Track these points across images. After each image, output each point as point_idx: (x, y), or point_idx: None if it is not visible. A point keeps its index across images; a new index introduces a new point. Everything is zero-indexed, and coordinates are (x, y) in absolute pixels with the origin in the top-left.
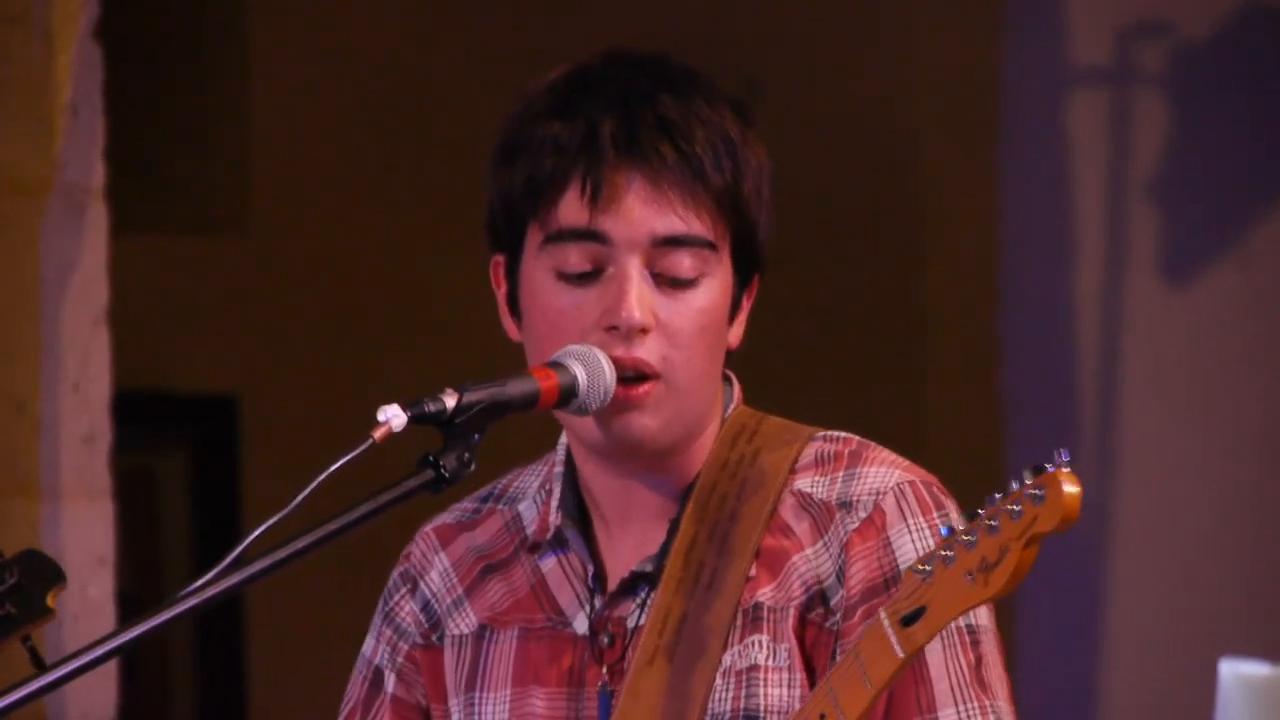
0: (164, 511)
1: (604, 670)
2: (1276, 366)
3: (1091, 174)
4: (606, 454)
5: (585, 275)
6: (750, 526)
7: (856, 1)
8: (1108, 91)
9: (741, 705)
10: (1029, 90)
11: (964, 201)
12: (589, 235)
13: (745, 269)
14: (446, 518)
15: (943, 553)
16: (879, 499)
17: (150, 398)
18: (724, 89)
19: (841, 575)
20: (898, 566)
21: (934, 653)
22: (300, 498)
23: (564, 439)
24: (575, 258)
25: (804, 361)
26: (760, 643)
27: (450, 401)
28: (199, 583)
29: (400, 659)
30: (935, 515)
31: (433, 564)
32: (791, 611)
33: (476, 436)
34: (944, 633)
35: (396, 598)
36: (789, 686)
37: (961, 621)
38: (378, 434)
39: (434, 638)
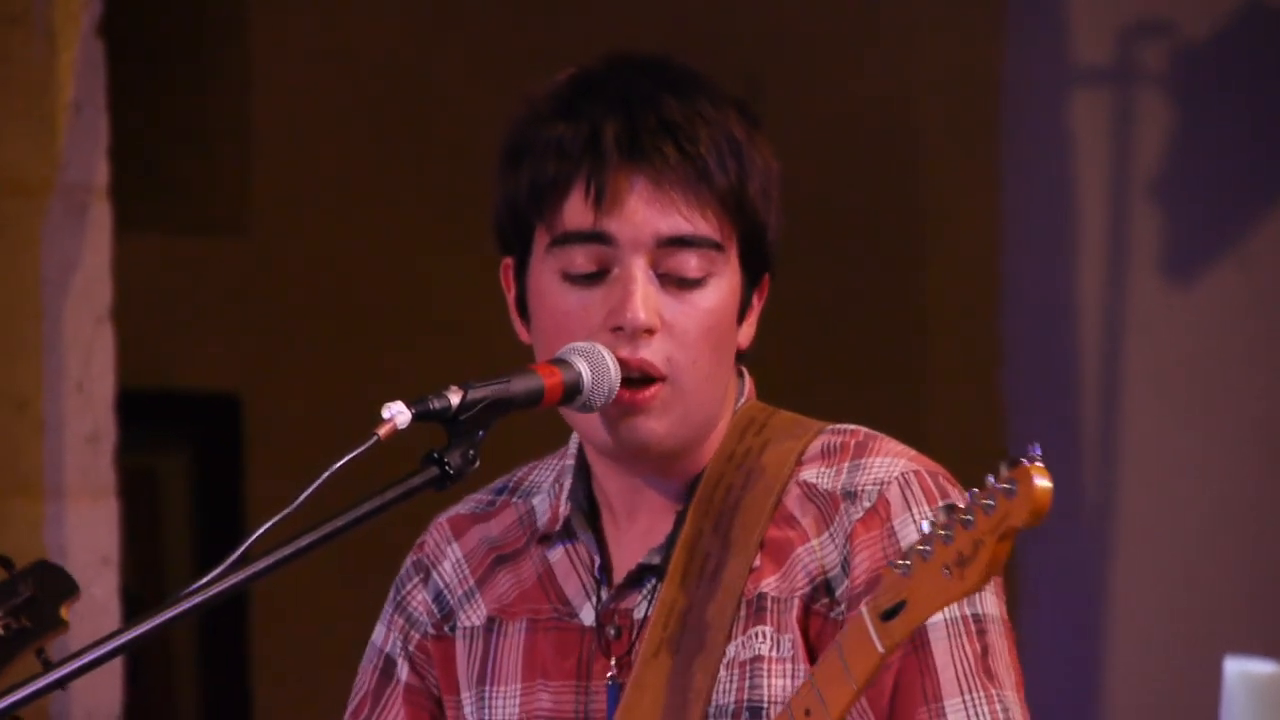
0: (167, 511)
1: (612, 662)
2: (1277, 366)
3: (1092, 174)
4: (614, 456)
5: (591, 276)
6: (754, 518)
7: (857, 1)
8: (1109, 91)
9: (745, 696)
10: (1030, 90)
11: (965, 201)
12: (594, 237)
13: (754, 269)
14: (461, 508)
15: (922, 547)
16: (883, 489)
17: (152, 397)
18: (729, 90)
19: (847, 565)
20: None
21: (939, 643)
22: (304, 495)
23: None
24: (581, 259)
25: (805, 361)
26: (764, 634)
27: (454, 398)
28: (203, 581)
29: (412, 648)
30: (940, 505)
31: (446, 554)
32: (796, 602)
33: (481, 433)
34: (949, 623)
35: (409, 587)
36: (792, 677)
37: (968, 610)
38: (382, 431)
39: (446, 628)
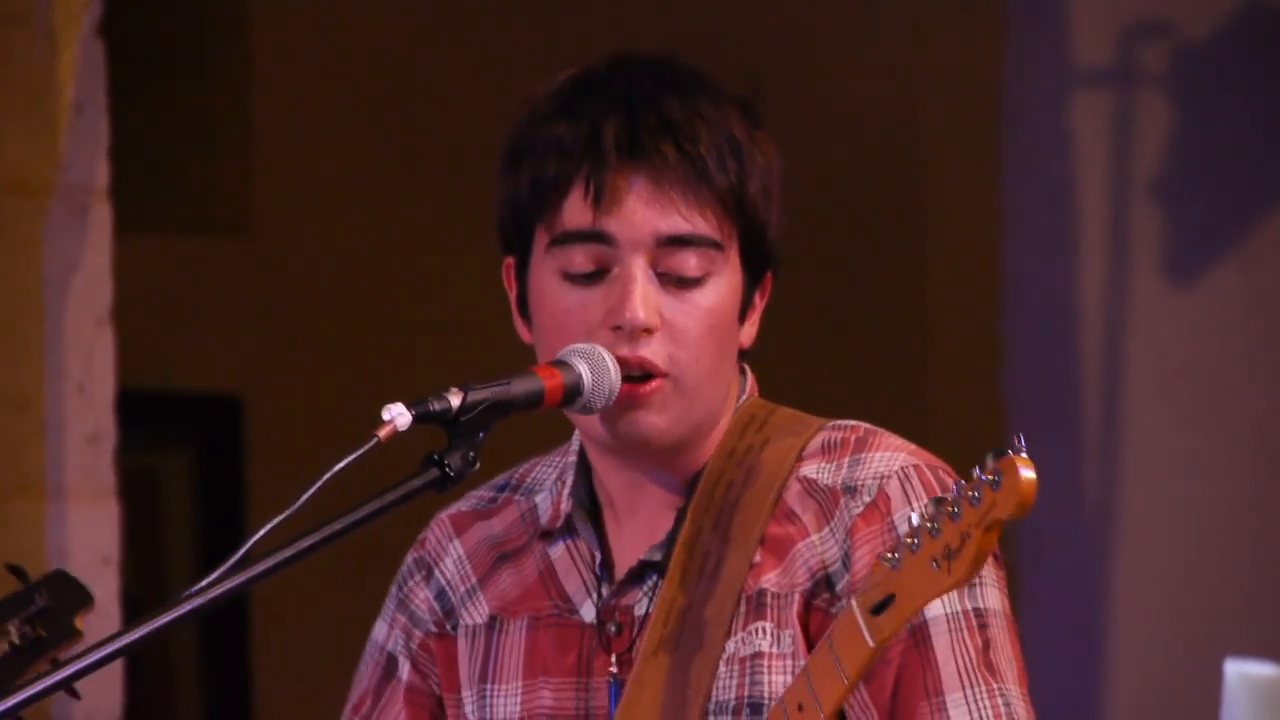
0: (167, 512)
1: (613, 659)
2: (1277, 366)
3: (1093, 174)
4: (614, 451)
5: (591, 275)
6: (755, 514)
7: (858, 1)
8: (1110, 92)
9: (746, 693)
10: (1031, 90)
11: (966, 201)
12: (593, 236)
13: (756, 268)
14: (462, 505)
15: (909, 540)
16: (883, 483)
17: (153, 398)
18: (730, 90)
19: (847, 560)
20: None
21: (940, 637)
22: (305, 497)
23: None
24: (580, 259)
25: (806, 361)
26: (764, 630)
27: (455, 400)
28: (204, 582)
29: (415, 646)
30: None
31: (447, 551)
32: (796, 598)
33: (481, 435)
34: (950, 617)
35: (411, 584)
36: (793, 673)
37: (969, 604)
38: (382, 433)
39: (448, 626)
